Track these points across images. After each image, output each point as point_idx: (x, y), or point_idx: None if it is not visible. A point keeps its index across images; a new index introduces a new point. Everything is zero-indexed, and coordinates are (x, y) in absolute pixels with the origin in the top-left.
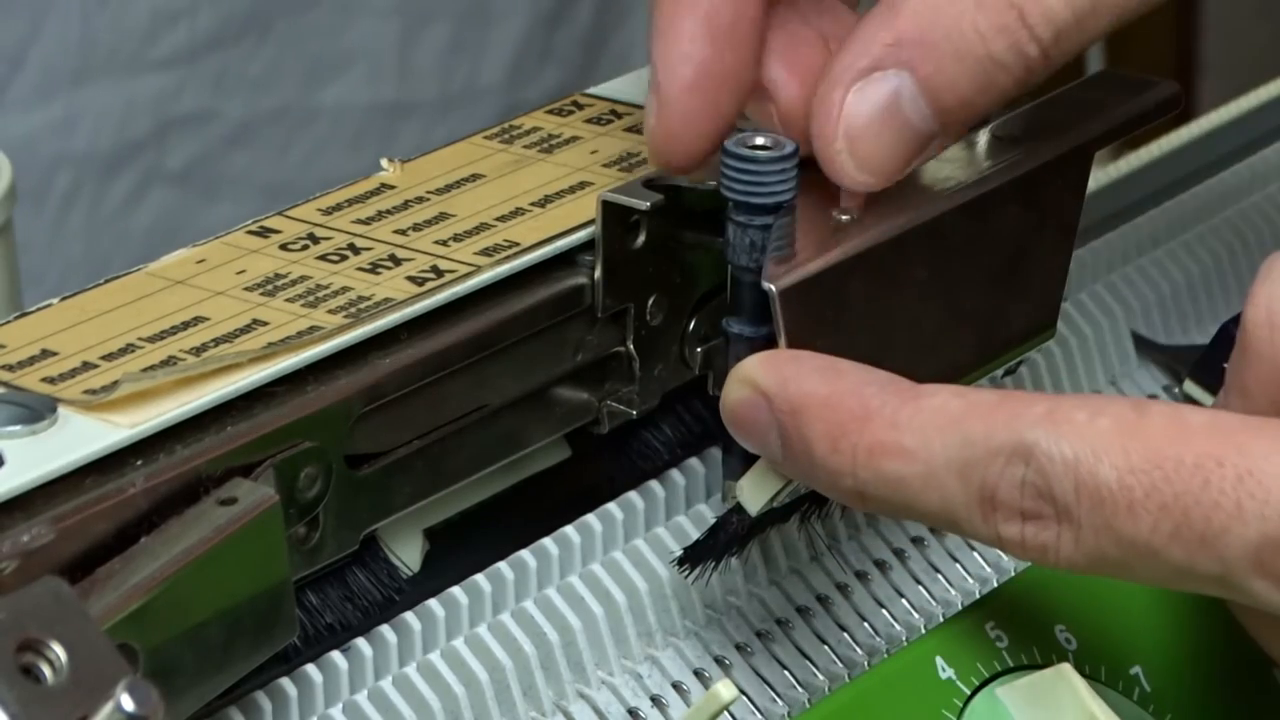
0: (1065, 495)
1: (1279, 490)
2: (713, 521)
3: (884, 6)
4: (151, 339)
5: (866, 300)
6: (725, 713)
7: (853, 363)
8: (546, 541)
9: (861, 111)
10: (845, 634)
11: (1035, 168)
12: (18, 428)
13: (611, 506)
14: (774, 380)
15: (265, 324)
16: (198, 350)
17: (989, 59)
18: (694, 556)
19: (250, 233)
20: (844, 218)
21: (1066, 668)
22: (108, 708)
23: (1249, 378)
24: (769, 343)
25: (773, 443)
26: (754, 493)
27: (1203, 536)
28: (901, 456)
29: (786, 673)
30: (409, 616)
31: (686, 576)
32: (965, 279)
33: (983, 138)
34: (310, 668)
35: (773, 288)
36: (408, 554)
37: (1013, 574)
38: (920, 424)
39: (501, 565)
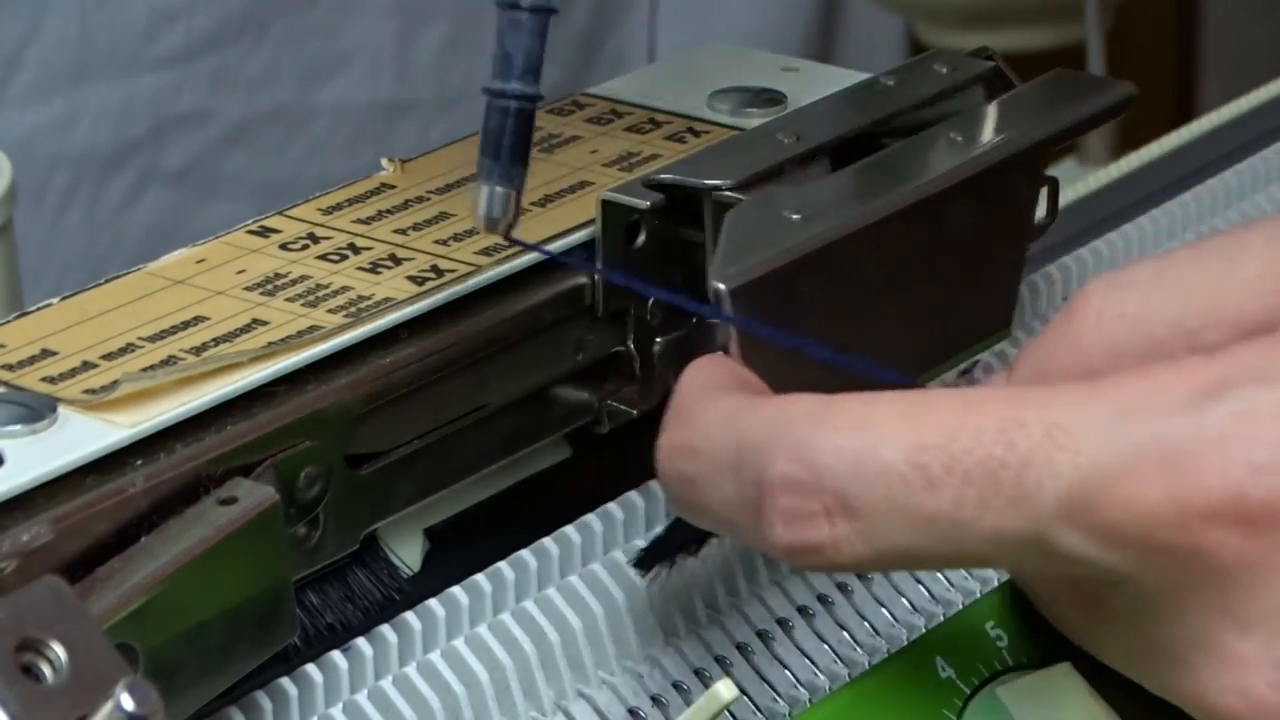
0: (838, 483)
1: (1091, 436)
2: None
3: None
4: (151, 339)
5: (816, 299)
6: (726, 712)
7: (719, 359)
8: (547, 541)
9: None
10: (845, 633)
11: (987, 168)
12: (18, 427)
13: (612, 506)
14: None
15: (265, 323)
16: (198, 350)
17: None
18: (650, 557)
19: (250, 232)
20: (795, 216)
21: (1067, 667)
22: (108, 707)
23: (1057, 359)
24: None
25: None
26: None
27: (1012, 498)
28: (691, 455)
29: (787, 672)
30: (409, 616)
31: (643, 577)
32: (917, 279)
33: (935, 137)
34: (310, 667)
35: (722, 286)
36: (408, 554)
37: None
38: (706, 422)
39: (502, 565)
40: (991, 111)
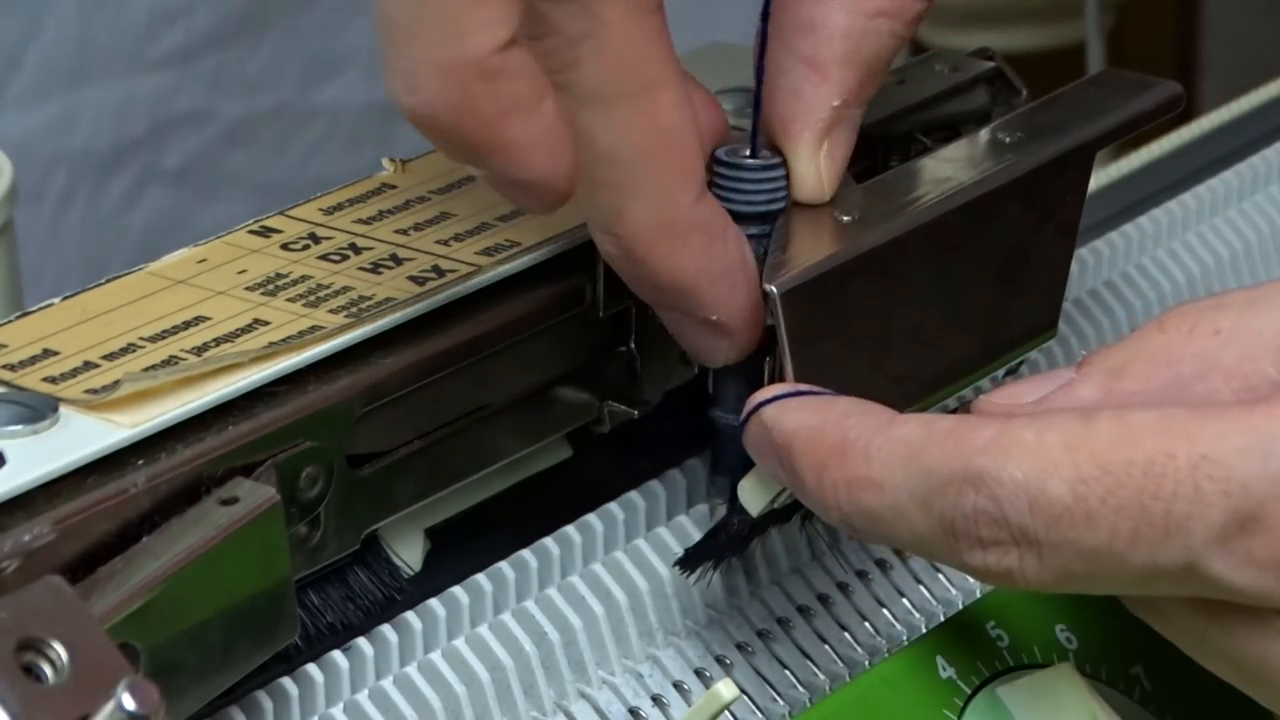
0: (1020, 517)
1: (1239, 467)
2: (713, 523)
3: (811, 69)
4: (153, 338)
5: (868, 301)
6: (726, 712)
7: (846, 397)
8: (547, 541)
9: (834, 170)
10: (846, 633)
11: (1036, 168)
12: (19, 427)
13: (612, 506)
14: (771, 412)
15: (266, 323)
16: (199, 350)
17: (898, 49)
18: (694, 557)
19: (251, 232)
20: (845, 218)
21: (1067, 667)
22: (109, 707)
23: (1137, 365)
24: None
25: (779, 471)
26: (755, 494)
27: (1165, 529)
28: (874, 490)
29: (787, 672)
30: (410, 616)
31: (687, 577)
32: (967, 279)
33: (984, 138)
34: (311, 667)
35: (774, 289)
36: (409, 553)
37: None
38: (886, 456)
39: (502, 565)
40: (1039, 112)
